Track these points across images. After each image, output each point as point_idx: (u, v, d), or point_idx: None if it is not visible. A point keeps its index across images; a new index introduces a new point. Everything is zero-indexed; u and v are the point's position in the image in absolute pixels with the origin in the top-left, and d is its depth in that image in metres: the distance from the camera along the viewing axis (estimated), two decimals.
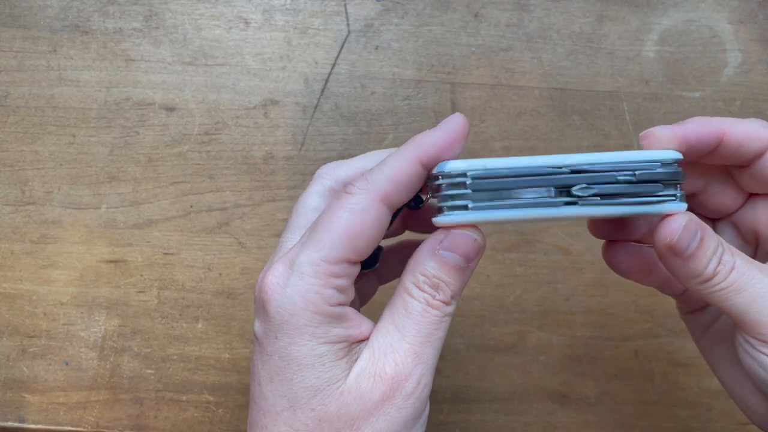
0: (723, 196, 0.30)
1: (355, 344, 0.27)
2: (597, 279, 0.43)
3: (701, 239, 0.26)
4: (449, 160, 0.26)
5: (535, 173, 0.26)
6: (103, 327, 0.42)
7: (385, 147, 0.44)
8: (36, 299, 0.42)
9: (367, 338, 0.27)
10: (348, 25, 0.45)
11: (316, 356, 0.26)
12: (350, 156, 0.43)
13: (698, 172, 0.29)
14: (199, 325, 0.42)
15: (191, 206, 0.43)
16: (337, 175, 0.30)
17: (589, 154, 0.26)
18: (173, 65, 0.44)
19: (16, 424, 0.41)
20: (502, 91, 0.44)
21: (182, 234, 0.42)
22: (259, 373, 0.27)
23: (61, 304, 0.42)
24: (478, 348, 0.43)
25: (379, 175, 0.26)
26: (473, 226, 0.27)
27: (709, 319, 0.32)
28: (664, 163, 0.26)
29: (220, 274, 0.42)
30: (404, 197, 0.27)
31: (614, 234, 0.31)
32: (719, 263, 0.26)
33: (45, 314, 0.42)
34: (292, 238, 0.28)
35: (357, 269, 0.27)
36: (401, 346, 0.26)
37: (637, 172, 0.26)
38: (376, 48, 0.45)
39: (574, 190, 0.26)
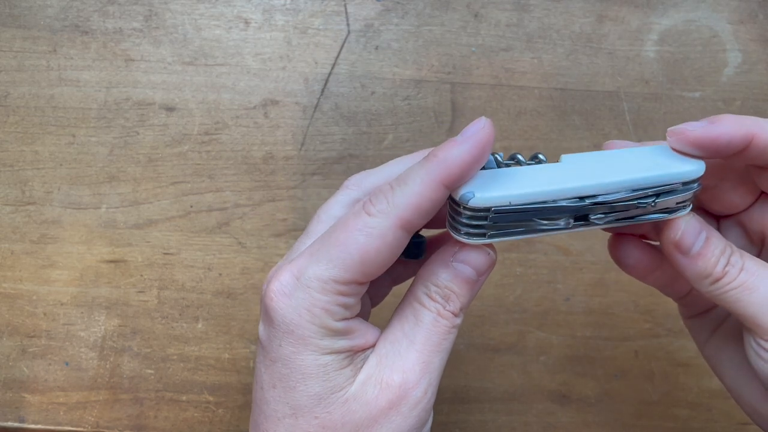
0: (733, 194, 0.30)
1: (360, 352, 0.27)
2: (597, 279, 0.43)
3: (707, 238, 0.26)
4: (471, 182, 0.25)
5: (556, 208, 0.26)
6: (103, 327, 0.42)
7: (385, 147, 0.44)
8: (36, 299, 0.42)
9: (373, 346, 0.27)
10: (348, 25, 0.45)
11: (320, 366, 0.25)
12: (350, 156, 0.43)
13: (712, 170, 0.29)
14: (199, 325, 0.42)
15: (191, 206, 0.43)
16: (364, 185, 0.29)
17: (611, 179, 0.26)
18: (173, 65, 0.44)
19: (16, 424, 0.41)
20: (502, 91, 0.44)
21: (182, 234, 0.42)
22: (261, 377, 0.26)
23: (61, 304, 0.42)
24: (478, 348, 0.43)
25: (401, 198, 0.25)
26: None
27: (714, 324, 0.32)
28: (685, 183, 0.26)
29: (220, 274, 0.42)
30: (424, 221, 0.26)
31: (621, 228, 0.31)
32: (728, 263, 0.26)
33: (45, 314, 0.42)
34: (308, 243, 0.28)
35: (365, 287, 0.26)
36: (410, 354, 0.26)
37: (657, 200, 0.26)
38: (376, 48, 0.45)
39: (593, 218, 0.26)
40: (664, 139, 0.28)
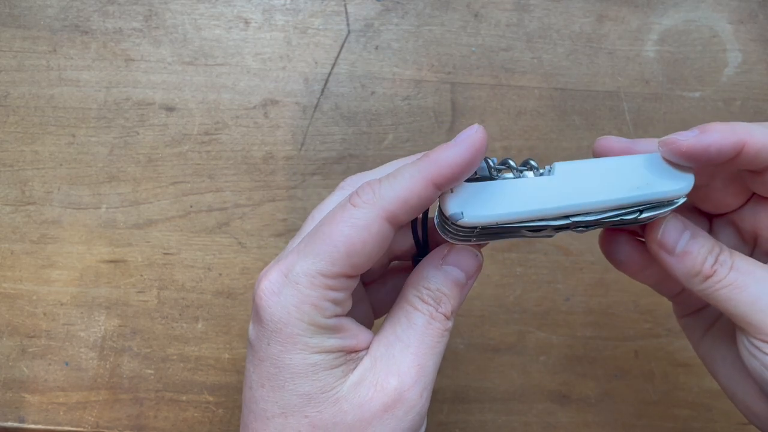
0: (725, 194, 0.30)
1: (352, 353, 0.26)
2: (597, 279, 0.43)
3: (691, 237, 0.27)
4: (461, 181, 0.25)
5: (541, 225, 0.26)
6: (102, 327, 0.42)
7: (385, 147, 0.44)
8: (36, 299, 0.42)
9: (366, 348, 0.26)
10: (348, 25, 0.45)
11: (309, 365, 0.25)
12: (350, 156, 0.43)
13: (704, 169, 0.29)
14: (199, 325, 0.42)
15: (191, 206, 0.43)
16: (359, 185, 0.29)
17: (598, 198, 0.26)
18: (173, 65, 0.44)
19: (16, 424, 0.41)
20: (502, 91, 0.44)
21: (182, 234, 0.42)
22: (250, 376, 0.26)
23: (61, 304, 0.42)
24: (478, 348, 0.42)
25: (388, 191, 0.25)
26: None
27: (707, 322, 0.32)
28: (670, 202, 0.27)
29: (220, 274, 0.42)
30: (411, 217, 0.26)
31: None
32: (716, 262, 0.26)
33: (45, 314, 0.42)
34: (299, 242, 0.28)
35: (355, 282, 0.26)
36: (405, 357, 0.26)
37: (641, 216, 0.26)
38: (376, 48, 0.45)
39: (576, 230, 0.27)
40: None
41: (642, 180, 0.26)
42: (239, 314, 0.42)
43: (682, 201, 0.27)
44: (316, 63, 0.44)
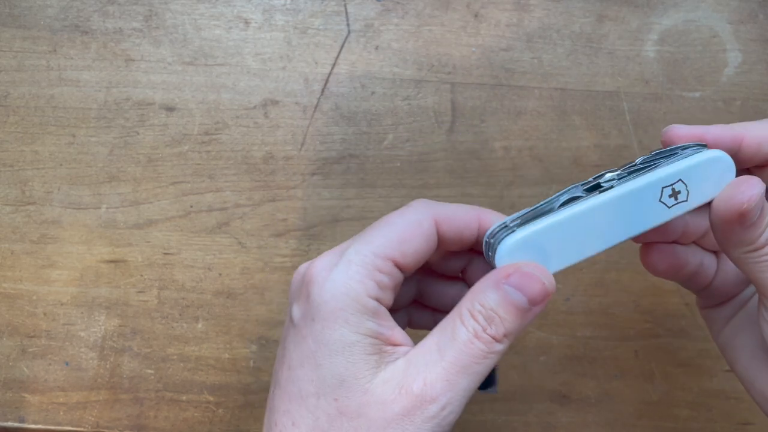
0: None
1: (388, 347, 0.26)
2: (597, 279, 0.43)
3: (762, 209, 0.26)
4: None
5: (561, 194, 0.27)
6: (103, 327, 0.42)
7: (385, 147, 0.44)
8: (36, 299, 0.42)
9: (398, 344, 0.27)
10: (348, 25, 0.45)
11: (347, 344, 0.25)
12: (350, 156, 0.43)
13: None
14: (199, 325, 0.42)
15: (191, 206, 0.43)
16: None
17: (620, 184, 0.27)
18: (173, 65, 0.44)
19: (16, 424, 0.41)
20: (502, 91, 0.44)
21: (182, 234, 0.42)
22: (290, 356, 0.26)
23: (61, 304, 0.42)
24: None
25: (442, 206, 0.28)
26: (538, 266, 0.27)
27: (730, 313, 0.32)
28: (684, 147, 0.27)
29: (220, 274, 0.42)
30: (455, 234, 0.28)
31: (650, 237, 0.31)
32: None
33: (45, 314, 0.42)
34: None
35: (401, 277, 0.27)
36: (436, 368, 0.25)
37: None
38: (376, 48, 0.45)
39: (604, 185, 0.27)
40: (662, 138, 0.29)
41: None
42: (239, 314, 0.42)
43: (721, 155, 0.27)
44: (316, 63, 0.44)
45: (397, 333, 0.27)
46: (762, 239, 0.26)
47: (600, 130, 0.44)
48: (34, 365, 0.41)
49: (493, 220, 0.28)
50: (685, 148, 0.27)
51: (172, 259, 0.42)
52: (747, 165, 0.29)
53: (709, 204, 0.27)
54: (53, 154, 0.43)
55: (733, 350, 0.31)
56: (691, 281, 0.32)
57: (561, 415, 0.42)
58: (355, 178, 0.43)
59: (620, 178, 0.27)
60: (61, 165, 0.43)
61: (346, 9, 0.45)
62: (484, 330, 0.25)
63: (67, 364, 0.41)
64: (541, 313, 0.42)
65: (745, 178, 0.26)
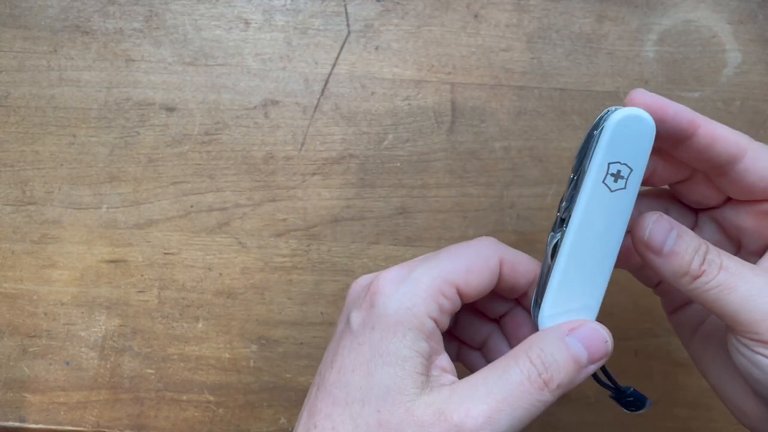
0: (706, 189, 0.30)
1: (436, 370, 0.27)
2: None
3: (678, 236, 0.26)
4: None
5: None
6: (103, 327, 0.42)
7: (385, 147, 0.44)
8: (36, 299, 0.42)
9: (445, 370, 0.27)
10: (348, 25, 0.45)
11: (400, 358, 0.26)
12: (350, 156, 0.44)
13: (685, 160, 0.29)
14: (200, 325, 0.42)
15: (191, 206, 0.43)
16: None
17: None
18: (173, 65, 0.44)
19: (17, 424, 0.41)
20: (502, 91, 0.44)
21: (182, 234, 0.43)
22: (343, 360, 0.27)
23: (62, 304, 0.42)
24: None
25: (508, 249, 0.29)
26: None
27: (696, 320, 0.32)
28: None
29: (221, 274, 0.42)
30: (512, 280, 0.29)
31: None
32: (704, 261, 0.26)
33: (45, 314, 0.42)
34: None
35: (459, 305, 0.28)
36: (480, 402, 0.25)
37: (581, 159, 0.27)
38: (376, 48, 0.45)
39: (562, 214, 0.28)
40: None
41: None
42: (239, 314, 0.42)
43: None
44: (316, 63, 0.44)
45: (445, 359, 0.28)
46: (694, 266, 0.26)
47: None
48: (35, 365, 0.41)
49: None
50: (604, 119, 0.27)
51: (172, 259, 0.42)
52: (701, 165, 0.28)
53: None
54: (54, 154, 0.43)
55: (704, 361, 0.31)
56: (640, 273, 0.32)
57: (561, 415, 0.42)
58: (355, 178, 0.43)
59: (570, 200, 0.27)
60: (61, 165, 0.43)
61: (346, 9, 0.45)
62: (540, 375, 0.26)
63: (67, 363, 0.41)
64: None
65: (645, 214, 0.27)
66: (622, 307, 0.43)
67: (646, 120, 0.26)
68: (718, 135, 0.27)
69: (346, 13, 0.45)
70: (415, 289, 0.27)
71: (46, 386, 0.41)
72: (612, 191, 0.27)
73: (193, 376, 0.41)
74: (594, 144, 0.26)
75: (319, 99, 0.44)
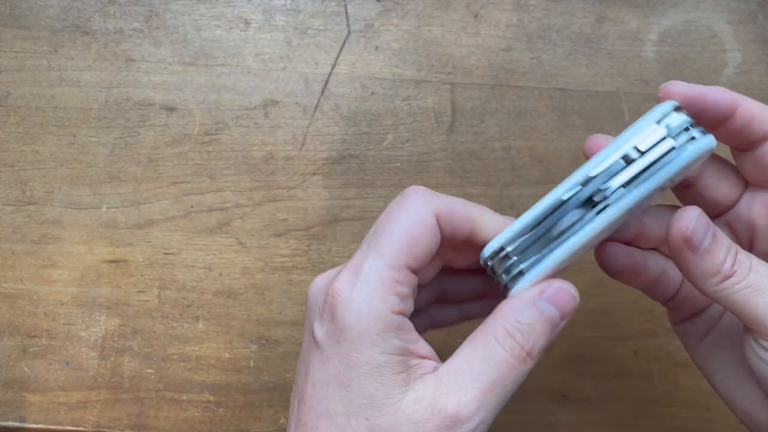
0: (719, 189, 0.30)
1: (414, 361, 0.26)
2: (597, 279, 0.43)
3: (714, 235, 0.26)
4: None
5: (554, 208, 0.26)
6: (103, 327, 0.42)
7: (385, 147, 0.44)
8: (36, 299, 0.42)
9: (424, 357, 0.27)
10: (348, 25, 0.45)
11: (375, 366, 0.26)
12: (350, 156, 0.44)
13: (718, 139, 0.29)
14: (200, 325, 0.42)
15: (192, 206, 0.43)
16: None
17: (590, 160, 0.26)
18: (174, 65, 0.44)
19: (17, 424, 0.41)
20: (502, 91, 0.44)
21: (183, 234, 0.43)
22: (315, 374, 0.26)
23: (62, 304, 0.42)
24: None
25: (438, 198, 0.27)
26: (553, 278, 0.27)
27: (704, 328, 0.32)
28: (663, 114, 0.26)
29: (221, 274, 0.42)
30: (451, 228, 0.27)
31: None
32: (734, 262, 0.26)
33: (46, 314, 0.42)
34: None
35: (416, 279, 0.27)
36: (470, 388, 0.25)
37: (640, 144, 0.25)
38: (376, 48, 0.45)
39: (596, 198, 0.26)
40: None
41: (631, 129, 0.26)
42: (240, 314, 0.42)
43: (681, 112, 0.26)
44: (316, 63, 0.44)
45: (421, 345, 0.27)
46: (726, 266, 0.26)
47: (599, 131, 0.44)
48: (35, 365, 0.41)
49: (485, 222, 0.28)
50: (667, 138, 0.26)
51: (172, 259, 0.42)
52: (732, 141, 0.28)
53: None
54: (54, 154, 0.43)
55: (712, 368, 0.31)
56: (654, 289, 0.32)
57: (561, 415, 0.42)
58: (355, 178, 0.43)
59: (611, 188, 0.26)
60: (61, 165, 0.43)
61: (346, 9, 0.45)
62: (522, 348, 0.26)
63: (67, 363, 0.41)
64: None
65: (684, 208, 0.26)
66: (622, 307, 0.43)
67: (714, 147, 0.26)
68: (755, 113, 0.27)
69: (346, 13, 0.45)
70: (368, 290, 0.26)
71: (46, 386, 0.41)
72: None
73: (193, 376, 0.41)
74: (666, 162, 0.26)
75: (319, 99, 0.44)
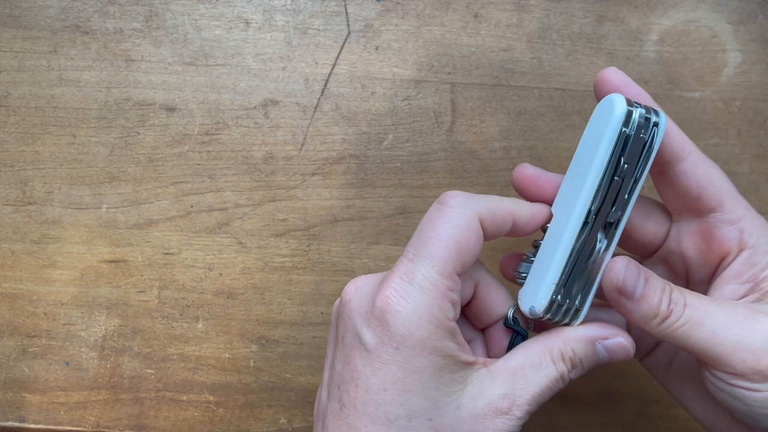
0: (645, 228, 0.31)
1: (467, 356, 0.28)
2: None
3: (646, 279, 0.27)
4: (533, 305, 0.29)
5: (579, 250, 0.29)
6: (103, 327, 0.42)
7: (385, 147, 0.44)
8: (36, 299, 0.42)
9: (472, 357, 0.28)
10: (348, 25, 0.45)
11: (437, 369, 0.27)
12: (350, 156, 0.44)
13: None
14: (200, 325, 0.42)
15: (191, 206, 0.43)
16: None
17: (583, 190, 0.29)
18: (173, 65, 0.44)
19: (17, 424, 0.41)
20: (502, 91, 0.44)
21: (182, 234, 0.43)
22: (368, 380, 0.27)
23: (62, 304, 0.42)
24: None
25: (480, 201, 0.29)
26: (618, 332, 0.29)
27: (665, 360, 0.33)
28: (624, 115, 0.28)
29: (221, 274, 0.42)
30: (495, 227, 0.29)
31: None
32: (670, 301, 0.27)
33: (45, 314, 0.42)
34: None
35: (460, 284, 0.28)
36: (524, 394, 0.28)
37: (624, 154, 0.28)
38: (376, 48, 0.45)
39: (610, 219, 0.28)
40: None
41: (595, 138, 0.29)
42: (239, 314, 0.42)
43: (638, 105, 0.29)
44: (316, 63, 0.44)
45: (467, 347, 0.29)
46: (663, 308, 0.27)
47: None
48: (35, 365, 0.41)
49: (523, 214, 0.30)
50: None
51: (172, 259, 0.42)
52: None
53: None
54: (54, 154, 0.43)
55: (684, 397, 0.32)
56: (648, 363, 0.34)
57: (561, 415, 0.42)
58: (355, 178, 0.43)
59: (621, 205, 0.29)
60: (61, 165, 0.43)
61: (346, 9, 0.45)
62: (568, 373, 0.29)
63: (67, 363, 0.41)
64: None
65: (614, 259, 0.28)
66: None
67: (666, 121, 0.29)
68: (669, 132, 0.29)
69: (346, 13, 0.45)
70: (425, 300, 0.27)
71: (46, 386, 0.41)
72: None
73: (193, 376, 0.41)
74: (646, 157, 0.29)
75: (319, 99, 0.44)
